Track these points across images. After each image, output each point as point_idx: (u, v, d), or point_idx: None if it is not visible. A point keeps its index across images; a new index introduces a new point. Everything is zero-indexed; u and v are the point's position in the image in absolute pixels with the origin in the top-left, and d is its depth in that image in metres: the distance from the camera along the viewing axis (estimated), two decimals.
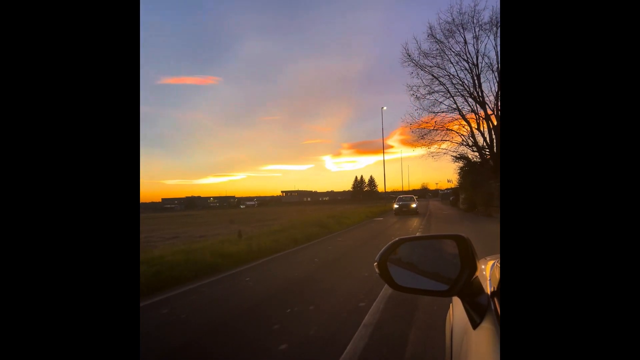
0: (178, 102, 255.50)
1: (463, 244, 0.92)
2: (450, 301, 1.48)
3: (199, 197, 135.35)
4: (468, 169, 25.47)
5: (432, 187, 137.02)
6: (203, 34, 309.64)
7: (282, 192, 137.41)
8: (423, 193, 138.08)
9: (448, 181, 42.73)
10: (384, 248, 0.97)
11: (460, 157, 24.65)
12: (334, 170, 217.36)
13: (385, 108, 36.04)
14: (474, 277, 0.91)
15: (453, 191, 40.43)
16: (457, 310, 1.23)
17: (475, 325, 0.89)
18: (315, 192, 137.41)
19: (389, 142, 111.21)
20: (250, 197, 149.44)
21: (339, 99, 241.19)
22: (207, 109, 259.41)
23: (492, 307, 0.89)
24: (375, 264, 0.96)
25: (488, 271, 1.23)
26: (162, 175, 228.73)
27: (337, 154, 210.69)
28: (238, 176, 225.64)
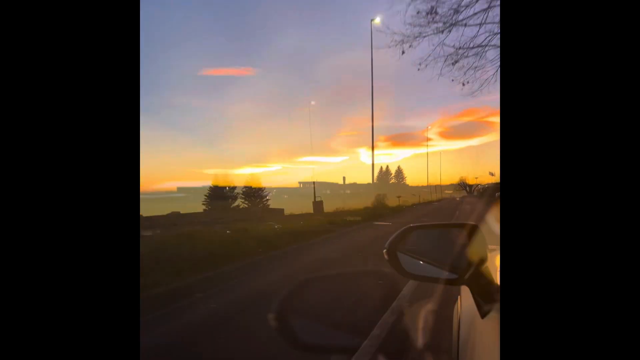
0: (217, 93, 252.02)
1: (474, 233, 0.94)
2: (459, 292, 1.51)
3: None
4: None
5: (471, 181, 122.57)
6: (241, 26, 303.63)
7: (300, 183, 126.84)
8: (459, 188, 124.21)
9: (490, 174, 29.73)
10: (393, 235, 1.00)
11: None
12: (369, 163, 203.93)
13: (377, 20, 20.76)
14: (484, 266, 0.93)
15: (498, 185, 26.64)
16: (465, 300, 1.31)
17: (483, 314, 0.93)
18: (336, 184, 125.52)
19: (428, 134, 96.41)
20: (269, 188, 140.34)
21: (377, 90, 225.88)
22: (244, 100, 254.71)
23: None
24: (385, 251, 0.98)
25: (498, 262, 1.20)
26: (200, 164, 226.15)
27: (374, 146, 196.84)
28: (273, 167, 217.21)
